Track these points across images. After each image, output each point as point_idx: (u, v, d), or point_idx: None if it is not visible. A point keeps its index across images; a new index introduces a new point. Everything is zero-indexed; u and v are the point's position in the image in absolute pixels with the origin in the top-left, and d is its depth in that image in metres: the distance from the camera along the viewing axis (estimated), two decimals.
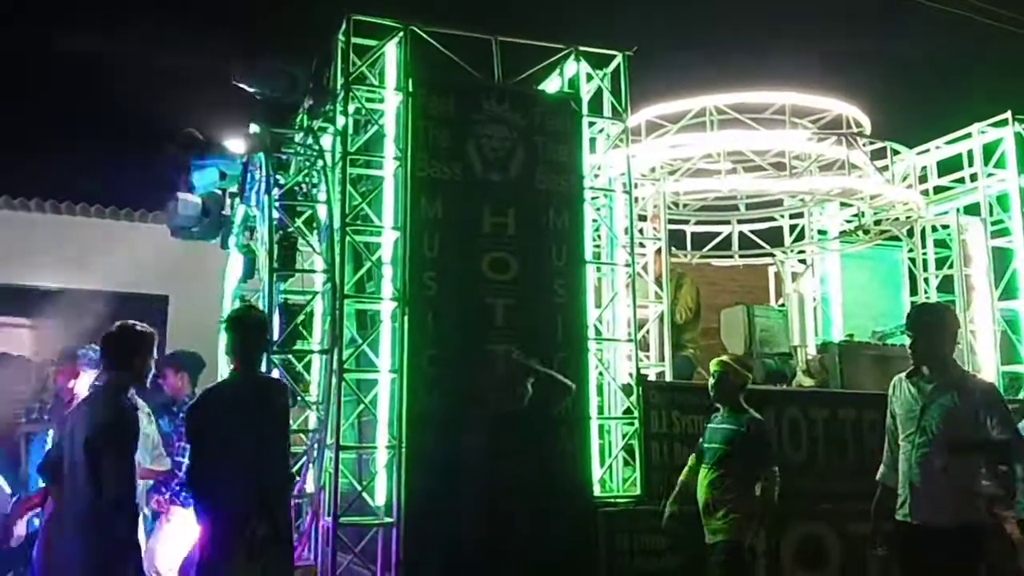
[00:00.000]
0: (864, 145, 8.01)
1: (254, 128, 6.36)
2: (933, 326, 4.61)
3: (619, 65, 6.58)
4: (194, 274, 10.51)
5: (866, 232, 9.00)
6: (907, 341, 4.66)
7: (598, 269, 6.45)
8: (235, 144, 6.45)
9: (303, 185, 6.38)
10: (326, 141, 6.43)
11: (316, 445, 5.82)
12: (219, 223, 7.20)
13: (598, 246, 6.71)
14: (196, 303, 10.43)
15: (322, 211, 6.13)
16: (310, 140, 6.42)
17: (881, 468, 4.77)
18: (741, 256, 9.38)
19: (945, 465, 4.38)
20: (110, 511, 4.34)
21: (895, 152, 8.54)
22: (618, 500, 6.04)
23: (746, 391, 5.66)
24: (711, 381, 5.66)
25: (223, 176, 6.26)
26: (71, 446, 4.50)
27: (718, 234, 9.42)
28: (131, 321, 4.82)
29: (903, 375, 4.69)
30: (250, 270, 7.38)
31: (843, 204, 9.04)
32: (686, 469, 5.70)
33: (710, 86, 7.58)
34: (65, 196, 10.40)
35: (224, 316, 6.79)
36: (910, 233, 8.99)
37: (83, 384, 5.87)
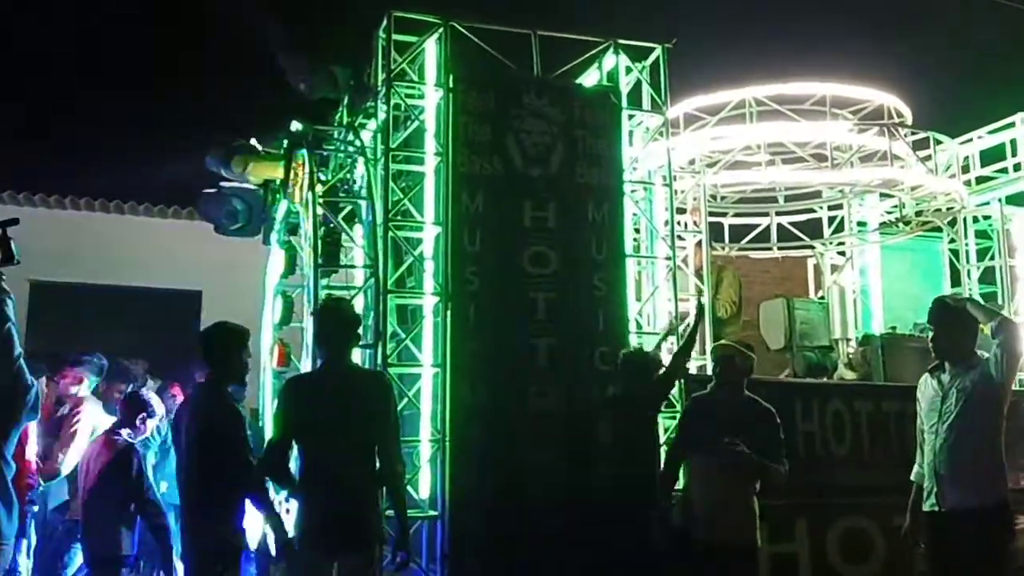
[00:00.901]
0: (906, 135, 7.92)
1: (296, 125, 6.41)
2: (953, 320, 4.62)
3: (658, 58, 6.55)
4: (227, 270, 10.65)
5: (907, 223, 8.91)
6: (929, 336, 4.67)
7: (638, 262, 6.44)
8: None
9: (345, 181, 6.44)
10: (366, 137, 6.49)
11: None
12: (261, 220, 7.29)
13: (638, 239, 6.71)
14: (229, 299, 10.54)
15: (364, 207, 6.18)
16: (351, 136, 6.48)
17: (915, 468, 4.79)
18: (780, 248, 9.31)
19: (971, 444, 4.44)
20: (218, 507, 4.40)
21: (937, 142, 8.44)
22: None
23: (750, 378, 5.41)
24: (714, 366, 5.38)
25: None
26: (182, 445, 4.57)
27: (756, 226, 9.37)
28: (225, 321, 4.85)
29: (927, 372, 4.72)
30: (291, 266, 7.48)
31: (883, 195, 8.97)
32: (669, 463, 5.33)
33: (749, 78, 7.54)
34: (98, 194, 10.58)
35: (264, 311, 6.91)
36: (952, 223, 8.89)
37: (86, 390, 5.89)
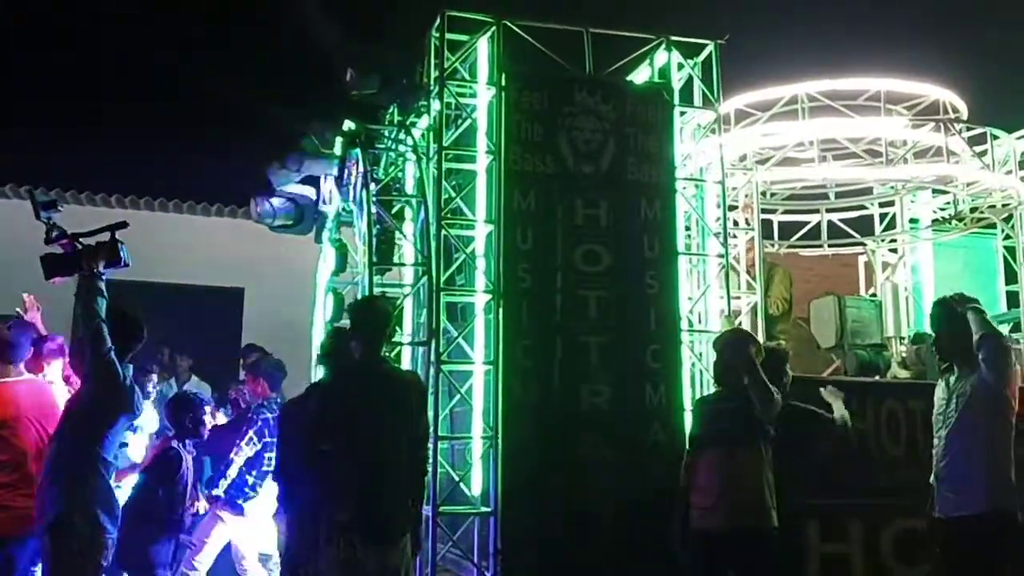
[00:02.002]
0: (961, 130, 7.79)
1: (349, 124, 6.48)
2: (957, 321, 4.56)
3: (710, 54, 6.52)
4: (269, 267, 10.81)
5: (961, 220, 8.77)
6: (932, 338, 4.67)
7: (691, 260, 6.41)
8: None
9: (396, 180, 6.50)
10: (415, 135, 6.53)
11: None
12: (313, 218, 7.38)
13: (689, 237, 6.68)
14: (271, 295, 10.73)
15: (416, 205, 6.23)
16: (403, 135, 6.54)
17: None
18: (830, 246, 9.21)
19: (967, 450, 4.39)
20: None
21: (994, 137, 8.28)
22: None
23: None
24: (724, 354, 5.16)
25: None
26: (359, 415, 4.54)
27: (806, 223, 9.27)
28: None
29: (940, 374, 4.70)
30: (342, 263, 7.56)
31: (936, 191, 8.84)
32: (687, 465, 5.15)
33: (800, 73, 7.46)
34: (142, 191, 10.75)
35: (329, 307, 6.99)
36: (1007, 220, 8.73)
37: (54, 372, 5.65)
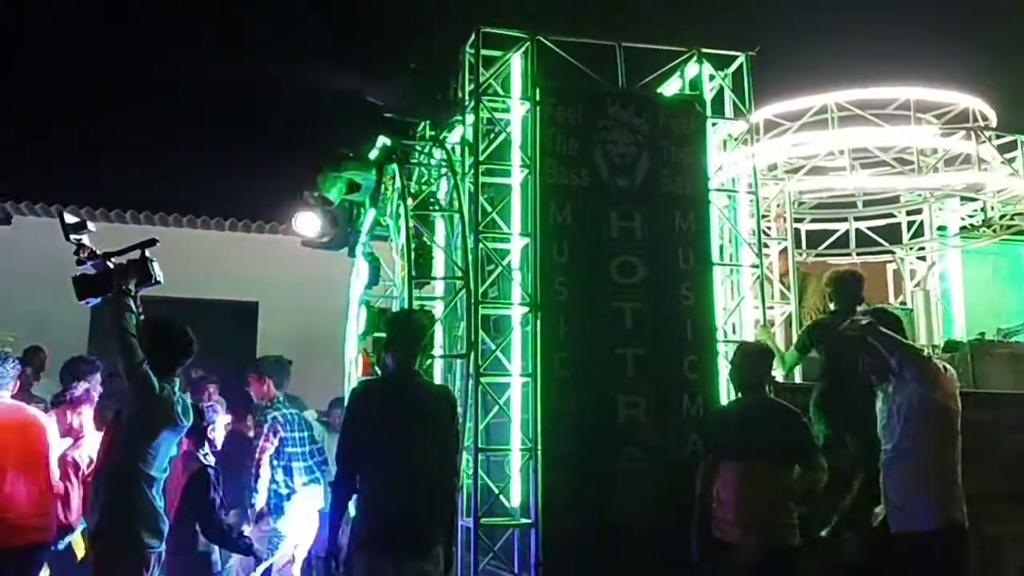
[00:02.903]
0: (991, 138, 7.79)
1: (384, 139, 6.55)
2: (894, 330, 4.53)
3: (740, 65, 6.56)
4: (283, 281, 10.90)
5: (990, 227, 8.76)
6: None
7: (729, 271, 6.44)
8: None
9: (431, 194, 6.56)
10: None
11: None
12: (346, 233, 7.45)
13: (722, 247, 6.70)
14: (285, 309, 10.82)
15: (452, 219, 6.28)
16: (435, 149, 6.60)
17: None
18: (859, 254, 9.22)
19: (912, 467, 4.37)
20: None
21: None
22: None
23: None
24: (744, 360, 5.06)
25: (355, 187, 6.42)
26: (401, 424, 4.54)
27: (834, 231, 9.28)
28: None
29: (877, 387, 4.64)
30: (375, 277, 7.64)
31: (965, 199, 8.83)
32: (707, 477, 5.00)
33: (828, 83, 7.49)
34: (157, 207, 10.84)
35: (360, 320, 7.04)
36: None
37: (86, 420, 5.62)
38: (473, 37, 6.09)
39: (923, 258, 9.34)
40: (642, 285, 5.98)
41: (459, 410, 4.82)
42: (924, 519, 4.35)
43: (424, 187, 7.02)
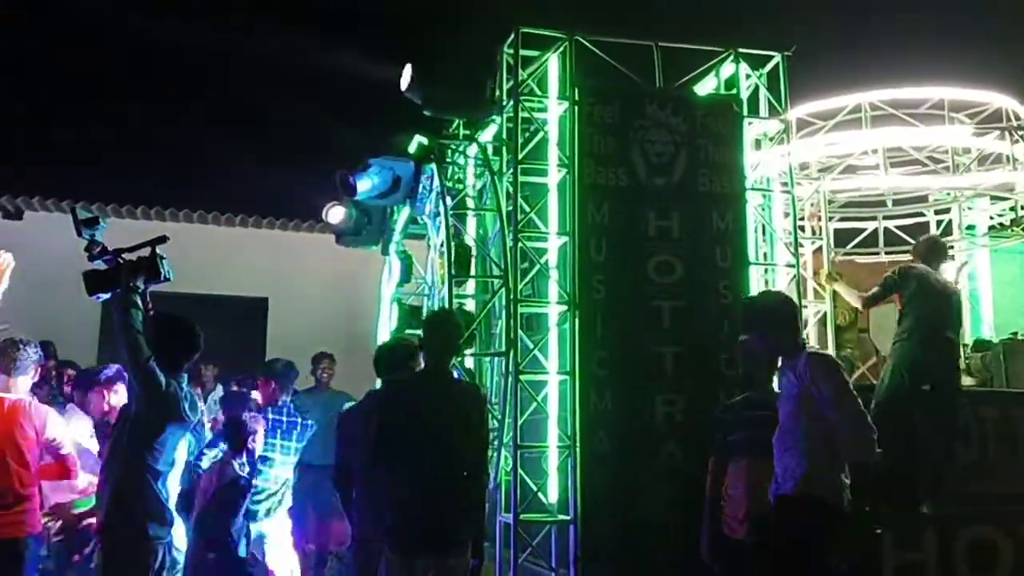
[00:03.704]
0: None
1: (421, 139, 6.59)
2: (777, 321, 4.47)
3: (776, 64, 6.58)
4: (293, 277, 10.97)
5: (1019, 226, 8.73)
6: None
7: (765, 270, 6.46)
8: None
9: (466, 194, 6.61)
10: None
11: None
12: (380, 230, 7.50)
13: (756, 245, 6.72)
14: (295, 306, 10.88)
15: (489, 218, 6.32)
16: (470, 148, 6.65)
17: None
18: (887, 253, 9.21)
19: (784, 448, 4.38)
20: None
21: None
22: None
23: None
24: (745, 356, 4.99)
25: (396, 184, 6.42)
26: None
27: (862, 230, 9.27)
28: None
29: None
30: (407, 275, 7.69)
31: (994, 198, 8.81)
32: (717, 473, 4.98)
33: (860, 83, 7.49)
34: (167, 203, 10.86)
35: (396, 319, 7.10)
36: None
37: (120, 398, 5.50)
38: (512, 37, 6.13)
39: (952, 257, 9.32)
40: (680, 284, 6.01)
41: (488, 407, 4.85)
42: (790, 487, 4.29)
43: (457, 185, 7.08)
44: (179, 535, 5.04)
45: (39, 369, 5.18)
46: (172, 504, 4.38)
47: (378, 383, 5.29)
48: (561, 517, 5.76)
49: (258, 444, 5.87)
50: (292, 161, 13.71)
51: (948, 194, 8.83)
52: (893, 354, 6.10)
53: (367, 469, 4.78)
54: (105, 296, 4.32)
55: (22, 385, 4.89)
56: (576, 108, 6.05)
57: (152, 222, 10.61)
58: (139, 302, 4.20)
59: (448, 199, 6.14)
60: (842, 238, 9.37)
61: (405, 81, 6.19)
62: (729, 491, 4.88)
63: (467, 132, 7.16)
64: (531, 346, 5.99)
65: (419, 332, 7.57)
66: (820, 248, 7.04)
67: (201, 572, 5.34)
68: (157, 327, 4.27)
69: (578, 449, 5.71)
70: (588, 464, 5.71)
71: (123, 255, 4.28)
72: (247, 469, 5.68)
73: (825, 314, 6.66)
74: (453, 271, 5.96)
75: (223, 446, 5.73)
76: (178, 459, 4.72)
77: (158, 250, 4.29)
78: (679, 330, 5.95)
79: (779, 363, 4.58)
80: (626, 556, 5.67)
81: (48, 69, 14.25)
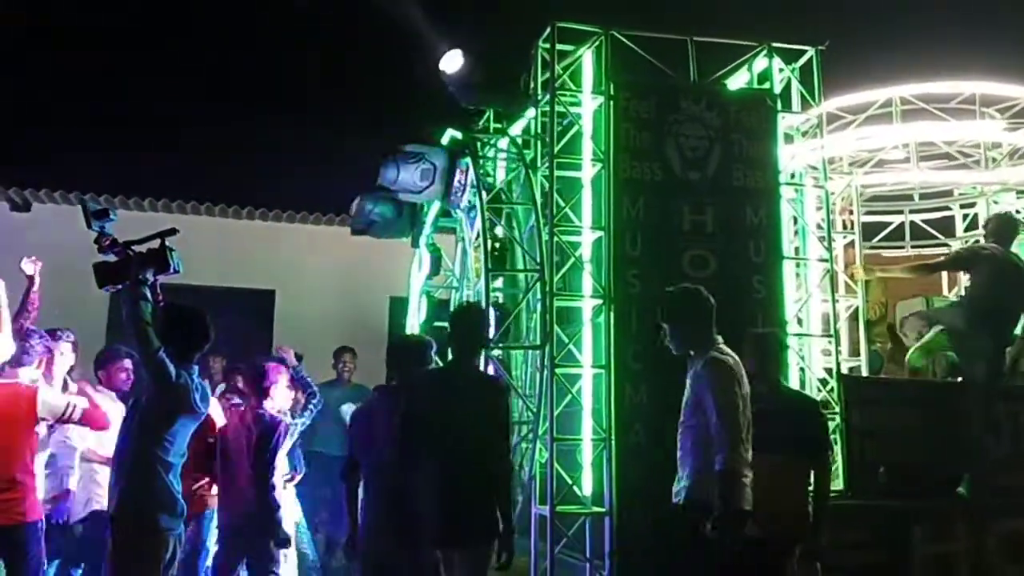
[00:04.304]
0: None
1: (454, 133, 6.63)
2: (689, 310, 4.62)
3: (809, 58, 6.59)
4: (300, 269, 11.01)
5: None
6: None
7: (797, 265, 6.48)
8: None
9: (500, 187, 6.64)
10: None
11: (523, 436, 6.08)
12: (411, 223, 7.54)
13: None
14: (302, 297, 10.92)
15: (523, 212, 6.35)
16: (504, 143, 6.68)
17: None
18: (913, 246, 9.20)
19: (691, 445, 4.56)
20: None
21: None
22: None
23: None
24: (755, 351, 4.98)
25: (431, 177, 6.42)
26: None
27: (888, 224, 9.26)
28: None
29: None
30: (436, 268, 7.74)
31: (1019, 193, 8.78)
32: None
33: (891, 77, 7.48)
34: (175, 195, 10.83)
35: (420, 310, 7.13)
36: None
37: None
38: (548, 31, 6.15)
39: None
40: (714, 278, 6.01)
41: (517, 400, 4.87)
42: (701, 491, 4.37)
43: (486, 179, 7.10)
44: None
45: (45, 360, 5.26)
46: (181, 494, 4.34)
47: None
48: (596, 509, 5.81)
49: (279, 396, 5.71)
50: (302, 153, 13.79)
51: (975, 188, 8.81)
52: (964, 345, 6.12)
53: (385, 466, 4.75)
54: (115, 288, 4.33)
55: (23, 374, 5.03)
56: (612, 103, 6.07)
57: (159, 214, 10.61)
58: (148, 294, 4.21)
59: (485, 193, 6.17)
60: (868, 232, 9.32)
61: (452, 63, 6.20)
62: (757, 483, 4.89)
63: (497, 126, 7.20)
64: (566, 340, 6.02)
65: (446, 324, 7.70)
66: (851, 242, 7.03)
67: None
68: (167, 318, 4.29)
69: (613, 442, 5.75)
70: (623, 457, 5.75)
71: (133, 247, 4.29)
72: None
73: (857, 309, 6.66)
74: (489, 265, 6.00)
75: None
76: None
77: (167, 242, 4.30)
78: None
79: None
80: (660, 549, 5.70)
81: (54, 61, 14.27)
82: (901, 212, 9.19)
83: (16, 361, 5.06)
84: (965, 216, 9.35)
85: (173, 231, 4.36)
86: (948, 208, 9.26)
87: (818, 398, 6.33)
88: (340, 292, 10.98)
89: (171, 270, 4.30)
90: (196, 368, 4.38)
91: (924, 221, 9.28)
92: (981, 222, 9.17)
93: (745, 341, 4.99)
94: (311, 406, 6.12)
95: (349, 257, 11.09)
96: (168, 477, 4.21)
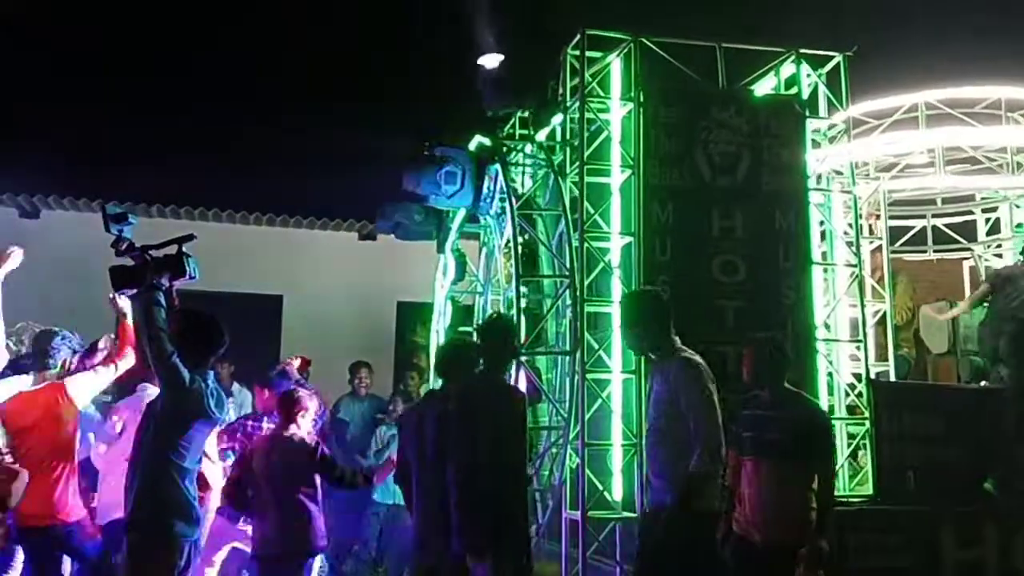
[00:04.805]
0: None
1: (482, 140, 6.66)
2: (648, 312, 4.62)
3: (836, 64, 6.60)
4: (308, 275, 11.03)
5: None
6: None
7: (825, 270, 6.49)
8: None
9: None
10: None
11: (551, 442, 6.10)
12: (437, 227, 7.57)
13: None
14: (309, 303, 10.95)
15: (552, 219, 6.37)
16: (533, 149, 6.71)
17: None
18: (936, 251, 9.22)
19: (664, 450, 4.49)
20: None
21: None
22: (850, 499, 6.10)
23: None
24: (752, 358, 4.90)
25: (458, 180, 6.43)
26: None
27: (910, 228, 9.28)
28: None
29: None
30: (461, 273, 7.77)
31: None
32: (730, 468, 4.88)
33: (917, 82, 7.50)
34: (182, 201, 10.77)
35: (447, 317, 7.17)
36: None
37: None
38: (578, 38, 6.18)
39: (1000, 255, 9.30)
40: (743, 284, 6.07)
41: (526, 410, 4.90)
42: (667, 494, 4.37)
43: (533, 187, 7.11)
44: None
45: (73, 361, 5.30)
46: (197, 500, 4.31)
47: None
48: (626, 514, 5.83)
49: (305, 422, 5.64)
50: (311, 160, 13.80)
51: (998, 193, 8.82)
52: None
53: (429, 470, 4.86)
54: (131, 292, 4.30)
55: (51, 376, 5.11)
56: (642, 109, 6.10)
57: (167, 220, 10.64)
58: (162, 300, 4.18)
59: (514, 199, 6.20)
60: (890, 236, 9.36)
61: (492, 61, 6.24)
62: (743, 489, 4.85)
63: (523, 132, 7.23)
64: (596, 346, 6.04)
65: (469, 329, 7.76)
66: (877, 247, 7.05)
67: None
68: (181, 323, 4.25)
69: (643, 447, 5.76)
70: None
71: (150, 252, 4.26)
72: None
73: (883, 314, 6.67)
74: (520, 271, 6.03)
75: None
76: None
77: (184, 248, 4.28)
78: (742, 329, 5.96)
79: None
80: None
81: (61, 66, 14.30)
82: (923, 217, 9.22)
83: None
84: (987, 220, 9.37)
85: (190, 237, 4.33)
86: (970, 212, 9.28)
87: (846, 403, 6.39)
88: (348, 297, 11.00)
89: (187, 276, 4.27)
90: (212, 373, 4.34)
91: (946, 225, 9.30)
92: (1004, 225, 9.21)
93: (745, 347, 4.98)
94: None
95: (357, 262, 11.12)
96: (183, 483, 4.17)
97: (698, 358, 4.54)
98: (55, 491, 4.87)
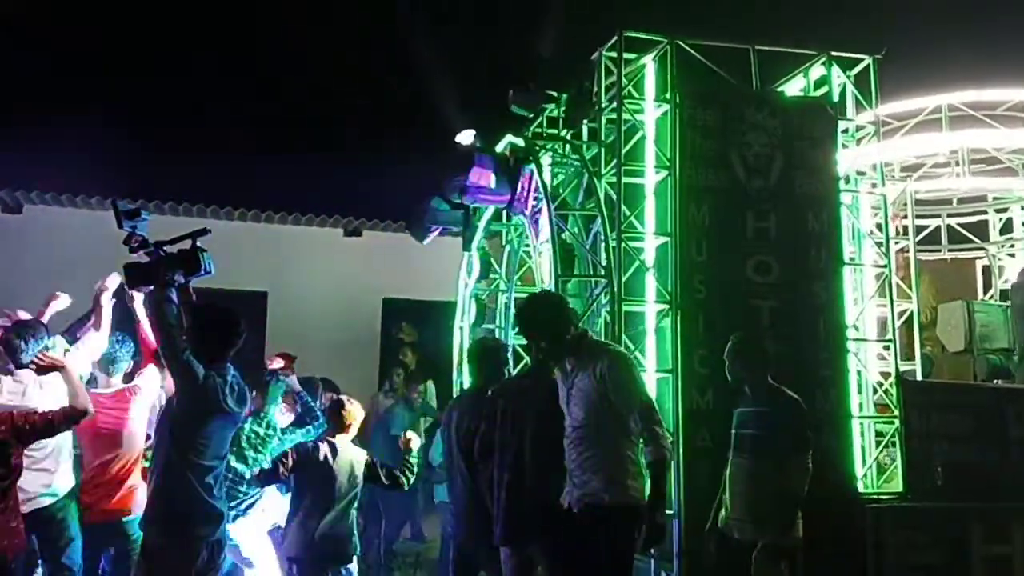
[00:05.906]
0: None
1: (515, 140, 6.70)
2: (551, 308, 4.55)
3: (866, 66, 6.67)
4: (293, 271, 11.03)
5: None
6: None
7: (855, 270, 6.57)
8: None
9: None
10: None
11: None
12: (465, 227, 7.60)
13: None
14: (294, 299, 10.95)
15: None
16: (566, 149, 6.75)
17: None
18: (950, 250, 9.33)
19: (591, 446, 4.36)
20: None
21: None
22: (881, 496, 6.19)
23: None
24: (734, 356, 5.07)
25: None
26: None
27: (924, 227, 9.38)
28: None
29: None
30: (485, 271, 7.83)
31: None
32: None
33: (940, 84, 7.58)
34: (167, 196, 10.82)
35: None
36: None
37: None
38: (614, 40, 6.22)
39: (1013, 255, 9.43)
40: (777, 284, 6.13)
41: None
42: (598, 492, 4.22)
43: (570, 187, 7.13)
44: None
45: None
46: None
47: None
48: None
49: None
50: (293, 153, 13.78)
51: (1011, 192, 8.93)
52: None
53: (467, 466, 4.93)
54: (147, 289, 4.24)
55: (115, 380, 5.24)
56: (677, 111, 6.15)
57: (151, 216, 10.56)
58: (174, 296, 4.13)
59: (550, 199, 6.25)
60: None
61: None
62: (729, 485, 5.02)
63: (551, 131, 7.27)
64: (632, 345, 6.09)
65: (490, 327, 7.81)
66: (902, 248, 7.14)
67: None
68: (196, 318, 4.20)
69: (680, 445, 5.84)
70: (690, 460, 5.83)
71: (164, 248, 4.20)
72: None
73: (911, 314, 6.76)
74: (559, 271, 6.07)
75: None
76: None
77: (199, 242, 4.22)
78: (777, 329, 6.05)
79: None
80: (726, 549, 5.78)
81: (52, 60, 14.22)
82: (938, 216, 9.33)
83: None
84: (1000, 219, 9.49)
85: (205, 231, 4.26)
86: (984, 212, 9.40)
87: (873, 400, 6.47)
88: (333, 293, 11.01)
89: (203, 271, 4.19)
90: (229, 367, 4.23)
91: (961, 224, 9.42)
92: (1017, 224, 9.34)
93: (728, 346, 5.12)
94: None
95: (342, 258, 11.13)
96: (203, 481, 4.06)
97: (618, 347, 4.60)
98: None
